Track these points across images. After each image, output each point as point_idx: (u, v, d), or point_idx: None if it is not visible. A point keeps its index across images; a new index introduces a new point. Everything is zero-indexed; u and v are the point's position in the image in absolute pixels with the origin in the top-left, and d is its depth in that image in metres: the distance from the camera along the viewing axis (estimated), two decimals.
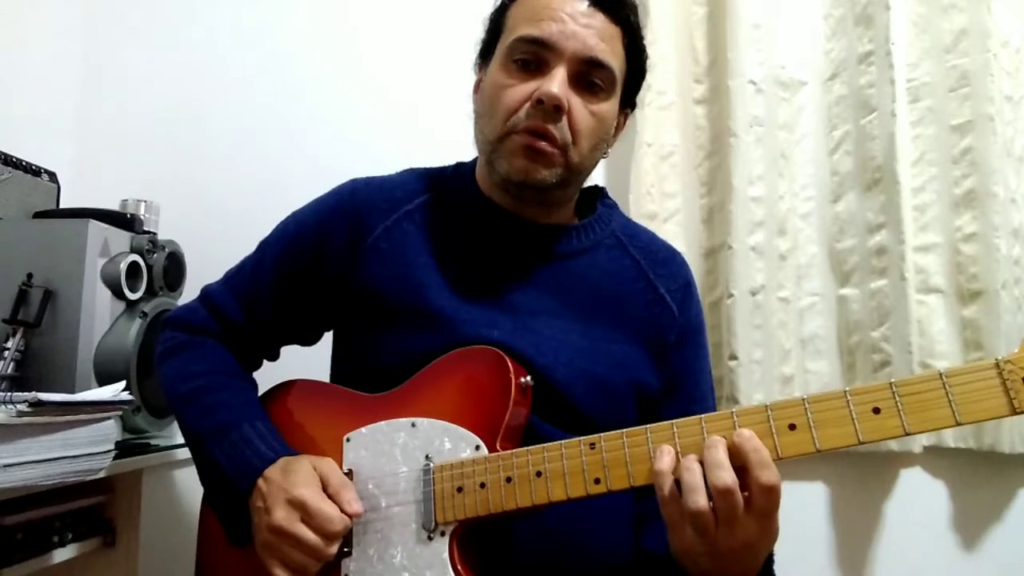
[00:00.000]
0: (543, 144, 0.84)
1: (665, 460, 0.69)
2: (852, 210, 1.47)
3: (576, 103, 0.84)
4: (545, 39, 0.83)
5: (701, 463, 0.67)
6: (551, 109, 0.83)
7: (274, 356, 1.04)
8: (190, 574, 0.93)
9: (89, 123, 1.73)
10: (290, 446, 0.85)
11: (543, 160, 0.85)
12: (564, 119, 0.84)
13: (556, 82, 0.82)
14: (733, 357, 1.42)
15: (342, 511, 0.77)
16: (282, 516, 0.76)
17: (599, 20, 0.85)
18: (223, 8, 1.74)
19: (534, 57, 0.85)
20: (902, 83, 1.41)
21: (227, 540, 0.87)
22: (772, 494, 0.65)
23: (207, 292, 1.00)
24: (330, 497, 0.78)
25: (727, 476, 0.65)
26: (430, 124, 1.59)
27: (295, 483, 0.78)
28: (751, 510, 0.66)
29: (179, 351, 0.96)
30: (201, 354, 0.95)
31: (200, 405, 0.90)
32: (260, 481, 0.80)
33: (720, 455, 0.66)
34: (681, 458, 0.68)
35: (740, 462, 0.66)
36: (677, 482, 0.67)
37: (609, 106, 0.88)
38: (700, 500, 0.66)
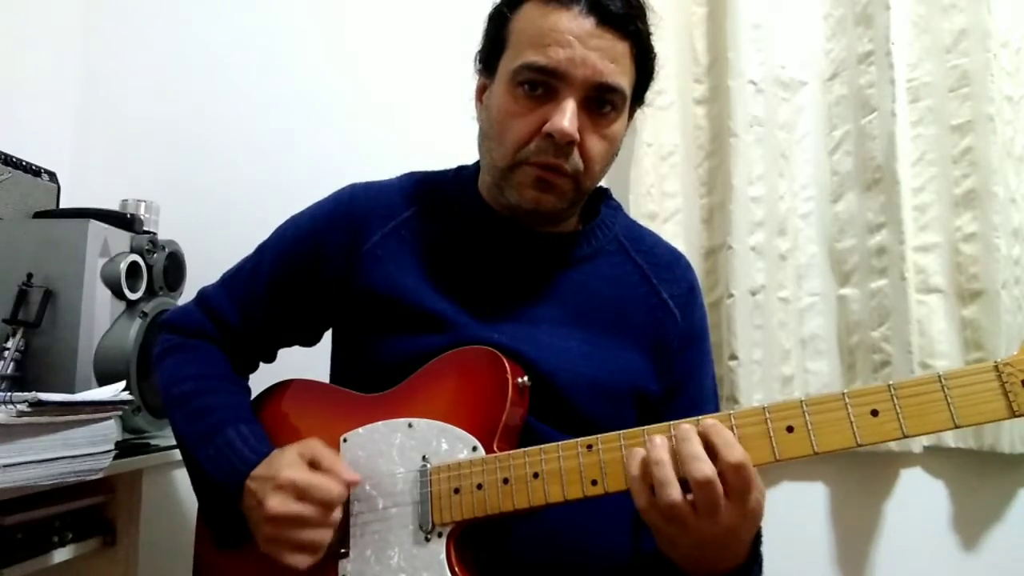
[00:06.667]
0: (554, 176, 0.83)
1: (638, 465, 0.68)
2: (852, 210, 1.47)
3: (588, 131, 0.82)
4: (554, 68, 0.79)
5: (673, 456, 0.66)
6: (563, 144, 0.81)
7: (270, 359, 1.03)
8: (190, 574, 0.93)
9: (89, 123, 1.73)
10: (285, 446, 0.83)
11: (555, 190, 0.84)
12: (576, 149, 0.82)
13: (567, 116, 0.79)
14: (733, 357, 1.42)
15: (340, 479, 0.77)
16: (276, 502, 0.75)
17: (608, 39, 0.80)
18: (223, 8, 1.74)
19: (542, 83, 0.81)
20: (902, 83, 1.40)
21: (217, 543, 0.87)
22: (743, 471, 0.65)
23: (203, 295, 1.00)
24: (324, 473, 0.77)
25: (706, 467, 0.65)
26: (430, 126, 1.59)
27: (279, 468, 0.77)
28: (729, 495, 0.65)
29: (173, 354, 0.96)
30: (194, 357, 0.95)
31: (188, 409, 0.89)
32: (248, 482, 0.79)
33: (695, 447, 0.66)
34: (649, 454, 0.67)
35: (709, 450, 0.66)
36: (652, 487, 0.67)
37: (620, 124, 0.86)
38: (673, 493, 0.65)
